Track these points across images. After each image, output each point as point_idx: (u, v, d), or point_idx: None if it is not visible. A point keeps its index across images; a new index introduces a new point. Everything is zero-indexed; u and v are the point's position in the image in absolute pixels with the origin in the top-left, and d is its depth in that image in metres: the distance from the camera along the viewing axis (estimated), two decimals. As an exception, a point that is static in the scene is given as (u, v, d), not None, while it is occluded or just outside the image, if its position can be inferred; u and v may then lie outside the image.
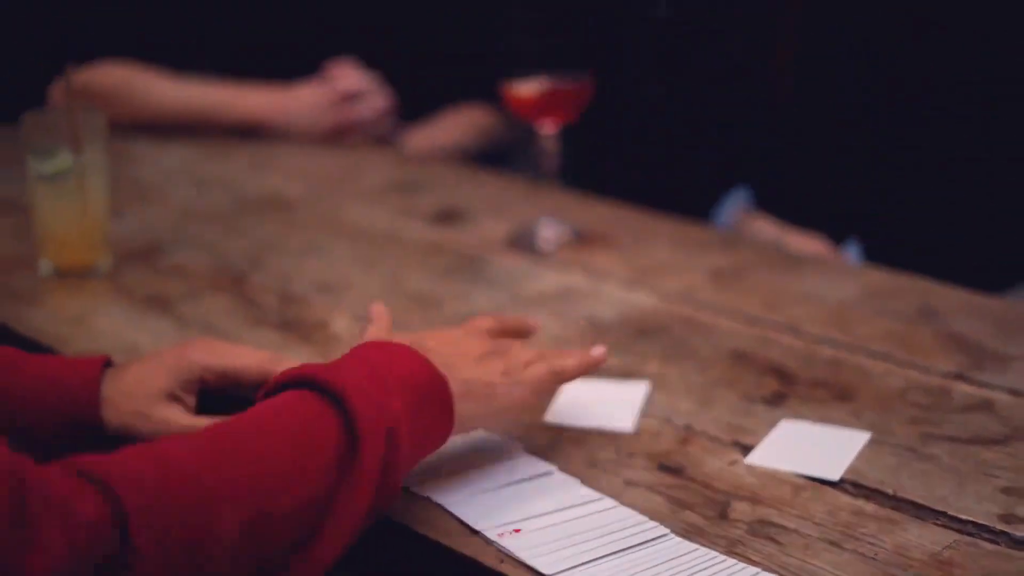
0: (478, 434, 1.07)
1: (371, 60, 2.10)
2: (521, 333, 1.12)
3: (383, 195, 1.80)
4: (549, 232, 1.58)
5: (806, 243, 1.73)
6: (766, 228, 1.78)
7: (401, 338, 1.00)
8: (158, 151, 2.00)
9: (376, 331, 1.08)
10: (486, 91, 2.05)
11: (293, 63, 2.10)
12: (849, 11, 1.80)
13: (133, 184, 1.83)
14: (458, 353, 0.99)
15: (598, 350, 1.08)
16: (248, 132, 2.04)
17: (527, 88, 1.58)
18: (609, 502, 0.98)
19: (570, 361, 1.05)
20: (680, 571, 0.89)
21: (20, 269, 1.51)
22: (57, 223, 1.48)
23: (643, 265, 1.50)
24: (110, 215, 1.51)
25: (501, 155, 2.25)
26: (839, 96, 1.81)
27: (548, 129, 1.59)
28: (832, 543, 0.91)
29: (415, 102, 2.17)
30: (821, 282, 1.44)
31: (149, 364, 1.04)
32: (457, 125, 2.22)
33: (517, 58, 1.60)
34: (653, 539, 0.93)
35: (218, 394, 1.05)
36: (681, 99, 1.95)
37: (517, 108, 1.60)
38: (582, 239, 1.59)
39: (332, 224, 1.68)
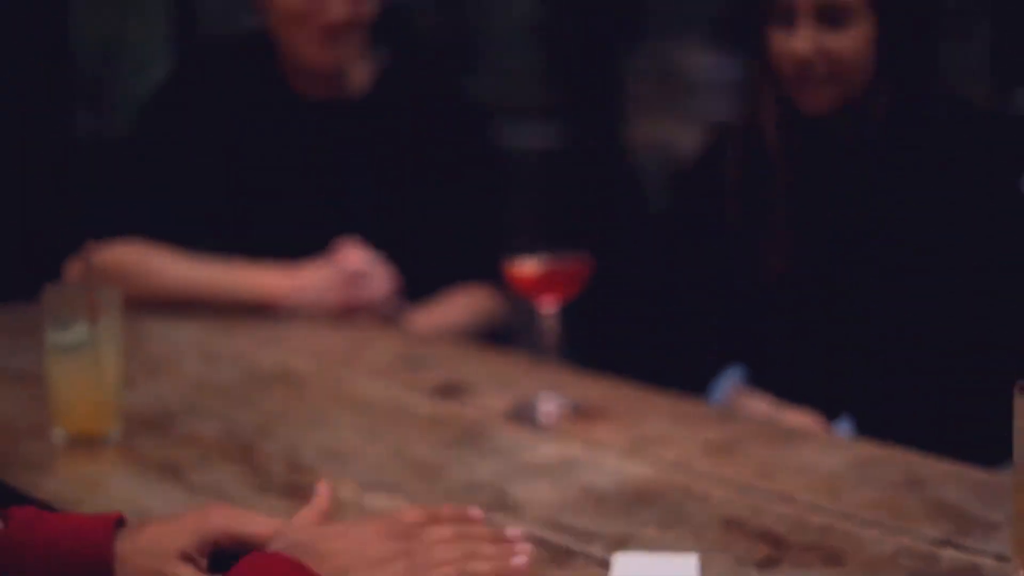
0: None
1: (376, 240, 2.18)
2: (461, 522, 1.14)
3: (388, 370, 1.85)
4: (549, 406, 1.63)
5: (799, 419, 1.77)
6: (760, 405, 1.83)
7: (311, 533, 1.06)
8: (169, 326, 2.06)
9: (309, 512, 1.13)
10: (488, 272, 2.13)
11: (301, 242, 2.17)
12: (840, 195, 1.88)
13: (145, 357, 1.89)
14: (358, 556, 1.02)
15: (519, 559, 1.10)
16: (257, 308, 2.11)
17: (527, 266, 1.64)
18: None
19: (484, 567, 1.07)
20: None
21: (34, 437, 1.55)
22: (72, 392, 1.53)
23: (640, 437, 1.54)
24: (123, 385, 1.56)
25: (503, 332, 2.31)
26: (830, 278, 1.88)
27: (548, 307, 1.65)
28: None
29: (419, 282, 2.24)
30: (812, 453, 1.48)
31: (167, 525, 1.08)
32: (460, 306, 2.28)
33: (518, 238, 1.68)
34: None
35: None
36: (677, 280, 2.02)
37: (518, 286, 1.66)
38: (580, 412, 1.63)
39: (338, 397, 1.73)
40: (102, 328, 1.53)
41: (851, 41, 1.80)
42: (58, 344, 1.53)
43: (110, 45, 3.80)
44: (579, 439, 1.54)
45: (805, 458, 1.47)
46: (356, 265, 2.12)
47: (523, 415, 1.63)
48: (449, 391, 1.74)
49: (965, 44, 3.55)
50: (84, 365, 1.53)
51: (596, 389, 1.74)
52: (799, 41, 1.80)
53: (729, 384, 1.88)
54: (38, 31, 3.32)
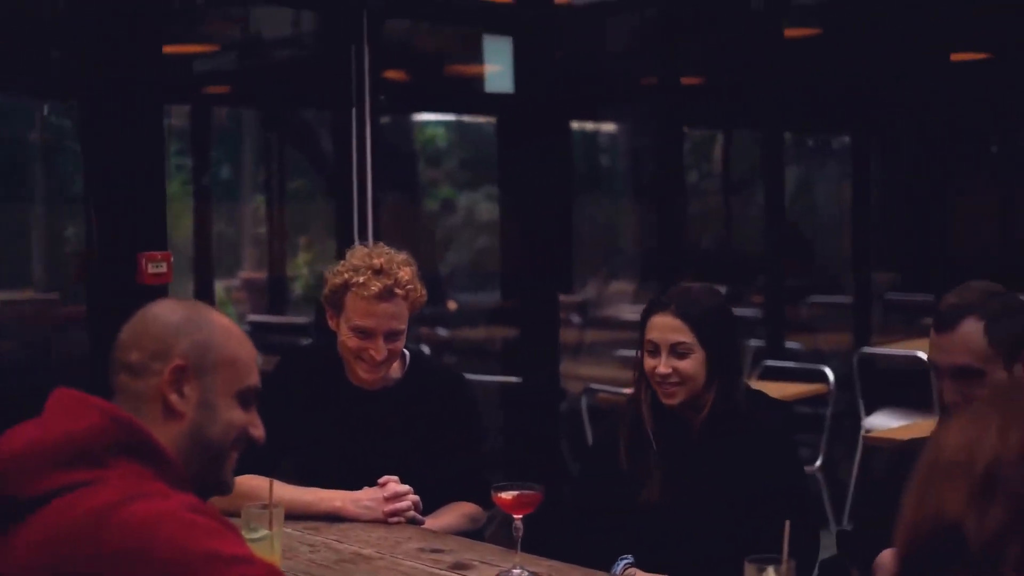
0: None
1: (404, 476, 3.45)
2: None
3: (420, 555, 3.09)
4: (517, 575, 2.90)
5: None
6: None
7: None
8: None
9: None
10: (472, 494, 3.42)
11: (358, 479, 3.44)
12: (689, 454, 3.19)
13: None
14: None
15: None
16: (330, 517, 3.37)
17: (508, 494, 2.93)
18: None
19: None
20: None
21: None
22: (258, 566, 2.78)
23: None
24: (282, 560, 2.82)
25: (478, 532, 3.58)
26: (684, 505, 3.18)
27: (518, 517, 2.93)
28: None
29: (429, 501, 3.51)
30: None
31: None
32: (455, 515, 3.55)
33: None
34: None
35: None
36: (593, 502, 3.32)
37: (501, 504, 2.94)
38: (536, 578, 2.90)
39: (395, 569, 2.97)
40: (274, 530, 2.79)
41: (691, 364, 3.14)
42: (250, 539, 2.78)
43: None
44: (536, 592, 2.81)
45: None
46: (394, 490, 3.39)
47: (504, 581, 2.89)
48: (458, 566, 3.00)
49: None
50: (265, 551, 2.78)
51: (544, 565, 3.00)
52: (662, 366, 3.14)
53: (622, 565, 3.16)
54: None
